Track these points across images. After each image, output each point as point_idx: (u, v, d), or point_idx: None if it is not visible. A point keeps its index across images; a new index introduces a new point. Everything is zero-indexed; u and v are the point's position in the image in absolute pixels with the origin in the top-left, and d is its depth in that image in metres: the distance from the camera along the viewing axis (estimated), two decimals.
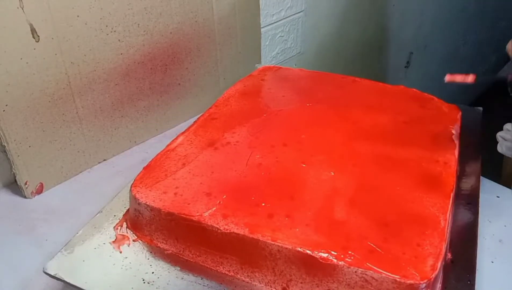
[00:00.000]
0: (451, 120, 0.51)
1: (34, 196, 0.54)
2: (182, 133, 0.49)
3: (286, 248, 0.35)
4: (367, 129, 0.49)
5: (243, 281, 0.38)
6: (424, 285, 0.33)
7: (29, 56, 0.48)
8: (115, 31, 0.54)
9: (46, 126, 0.52)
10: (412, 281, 0.33)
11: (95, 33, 0.53)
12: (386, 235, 0.36)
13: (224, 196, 0.40)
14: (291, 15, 0.83)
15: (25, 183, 0.53)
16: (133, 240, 0.42)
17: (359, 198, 0.40)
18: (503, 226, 0.48)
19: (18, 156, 0.51)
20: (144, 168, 0.44)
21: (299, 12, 0.85)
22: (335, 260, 0.34)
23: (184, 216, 0.38)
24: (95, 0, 0.51)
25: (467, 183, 0.48)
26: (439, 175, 0.43)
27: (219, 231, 0.37)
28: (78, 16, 0.51)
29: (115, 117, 0.59)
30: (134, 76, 0.59)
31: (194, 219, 0.38)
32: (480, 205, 0.45)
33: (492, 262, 0.45)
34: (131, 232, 0.42)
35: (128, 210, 0.44)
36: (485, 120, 0.58)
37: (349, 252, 0.35)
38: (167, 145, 0.47)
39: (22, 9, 0.46)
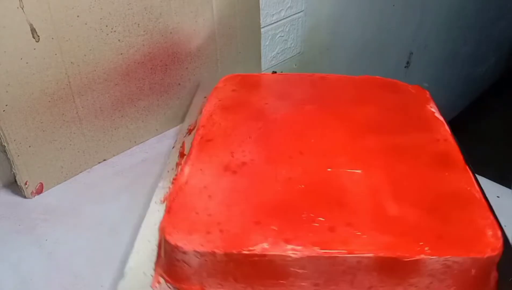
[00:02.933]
0: (425, 100, 0.54)
1: (34, 196, 0.54)
2: (185, 163, 0.45)
3: (367, 257, 0.34)
4: (362, 122, 0.50)
5: None
6: (497, 255, 0.35)
7: (29, 56, 0.48)
8: (115, 31, 0.54)
9: (46, 126, 0.52)
10: (487, 255, 0.35)
11: (95, 33, 0.53)
12: (441, 219, 0.37)
13: (275, 221, 0.37)
14: (291, 15, 0.83)
15: (25, 183, 0.53)
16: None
17: (398, 189, 0.40)
18: (503, 226, 0.48)
19: (18, 156, 0.51)
20: (166, 212, 0.39)
21: (299, 12, 0.85)
22: (417, 256, 0.34)
23: (245, 253, 0.35)
24: (95, 0, 0.51)
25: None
26: (446, 152, 0.45)
27: (288, 258, 0.35)
28: (78, 16, 0.51)
29: (115, 117, 0.59)
30: (134, 76, 0.59)
31: (256, 253, 0.35)
32: None
33: None
34: (174, 287, 0.38)
35: (158, 263, 0.39)
36: (486, 120, 0.58)
37: (421, 243, 0.35)
38: (176, 180, 0.43)
39: (22, 9, 0.46)
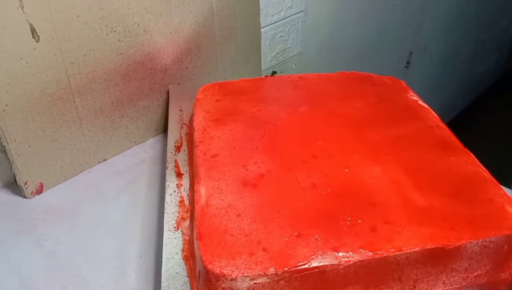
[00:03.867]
0: (403, 89, 0.55)
1: (34, 196, 0.54)
2: (197, 184, 0.42)
3: (414, 251, 0.35)
4: (356, 117, 0.50)
5: None
6: None
7: (29, 56, 0.48)
8: (115, 31, 0.54)
9: (46, 126, 0.52)
10: None
11: (95, 33, 0.53)
12: (465, 202, 0.39)
13: (313, 230, 0.36)
14: (291, 15, 0.83)
15: (25, 183, 0.53)
16: None
17: (417, 180, 0.41)
18: None
19: (18, 156, 0.51)
20: (197, 239, 0.37)
21: (299, 12, 0.85)
22: (461, 241, 0.36)
23: (297, 268, 0.34)
24: (95, 0, 0.51)
25: None
26: (443, 138, 0.46)
27: (340, 267, 0.34)
28: (78, 16, 0.51)
29: (115, 117, 0.59)
30: (134, 76, 0.59)
31: (308, 267, 0.34)
32: None
33: None
34: None
35: None
36: (486, 120, 0.59)
37: (460, 229, 0.36)
38: (195, 203, 0.40)
39: (22, 9, 0.46)
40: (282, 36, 0.84)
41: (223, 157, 0.45)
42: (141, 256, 0.46)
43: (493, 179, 0.41)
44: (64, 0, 0.49)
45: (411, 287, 0.37)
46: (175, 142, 0.55)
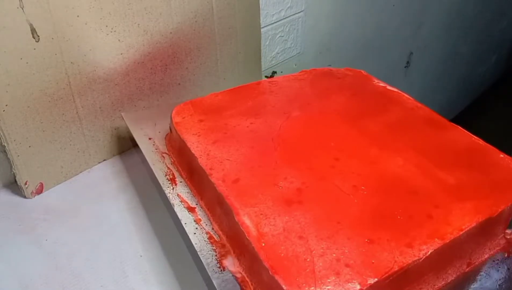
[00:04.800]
0: (368, 78, 0.57)
1: (34, 196, 0.54)
2: (237, 215, 0.38)
3: (472, 227, 0.37)
4: (348, 112, 0.51)
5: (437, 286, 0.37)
6: None
7: (29, 56, 0.48)
8: (115, 31, 0.54)
9: (46, 126, 0.52)
10: None
11: (95, 33, 0.53)
12: (481, 171, 0.42)
13: (382, 232, 0.36)
14: (291, 15, 0.83)
15: (25, 183, 0.53)
16: None
17: (434, 160, 0.43)
18: None
19: (18, 156, 0.51)
20: (274, 273, 0.33)
21: (299, 12, 0.85)
22: (500, 209, 0.38)
23: (387, 275, 0.33)
24: (95, 0, 0.51)
25: None
26: (428, 117, 0.49)
27: (420, 260, 0.34)
28: (78, 16, 0.51)
29: (115, 117, 0.59)
30: (134, 76, 0.59)
31: (397, 269, 0.34)
32: None
33: None
34: None
35: None
36: (486, 120, 0.60)
37: (493, 198, 0.39)
38: (247, 235, 0.37)
39: (22, 9, 0.46)
40: (282, 36, 0.84)
41: (248, 180, 0.42)
42: (141, 256, 0.46)
43: (488, 145, 0.45)
44: (64, 0, 0.49)
45: (468, 260, 0.39)
46: (165, 175, 0.49)
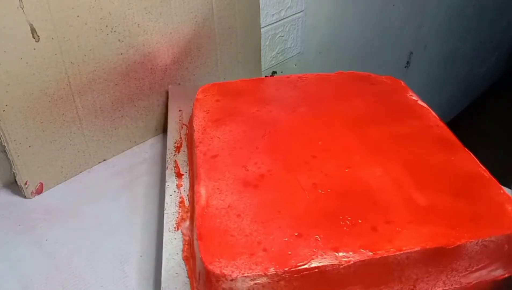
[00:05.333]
0: (403, 89, 0.55)
1: (34, 196, 0.54)
2: (197, 184, 0.42)
3: (415, 251, 0.35)
4: (357, 116, 0.50)
5: None
6: None
7: (29, 56, 0.48)
8: (115, 31, 0.54)
9: (46, 126, 0.52)
10: None
11: (95, 33, 0.53)
12: (466, 201, 0.39)
13: (317, 230, 0.36)
14: (291, 15, 0.83)
15: (25, 183, 0.53)
16: None
17: (418, 179, 0.41)
18: None
19: (18, 156, 0.51)
20: (198, 239, 0.37)
21: (299, 12, 0.85)
22: (461, 241, 0.35)
23: (297, 268, 0.34)
24: (95, 0, 0.51)
25: None
26: (443, 137, 0.46)
27: (341, 267, 0.34)
28: (78, 16, 0.51)
29: (115, 117, 0.59)
30: (134, 76, 0.59)
31: (308, 267, 0.34)
32: None
33: None
34: None
35: None
36: (486, 120, 0.59)
37: (460, 228, 0.36)
38: (196, 204, 0.40)
39: (22, 9, 0.46)
40: (282, 36, 0.84)
41: (223, 158, 0.45)
42: (141, 256, 0.46)
43: (493, 178, 0.41)
44: (64, 0, 0.49)
45: (411, 286, 0.36)
46: (175, 143, 0.55)
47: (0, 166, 0.54)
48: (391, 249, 0.35)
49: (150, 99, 0.62)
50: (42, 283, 0.44)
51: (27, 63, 0.48)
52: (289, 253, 0.35)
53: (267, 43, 0.81)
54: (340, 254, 0.34)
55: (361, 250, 0.35)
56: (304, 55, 0.91)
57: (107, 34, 0.54)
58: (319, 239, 0.36)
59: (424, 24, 1.33)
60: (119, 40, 0.55)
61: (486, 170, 0.42)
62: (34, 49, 0.48)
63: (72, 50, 0.51)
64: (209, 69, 0.68)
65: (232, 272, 0.34)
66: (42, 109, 0.51)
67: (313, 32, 0.91)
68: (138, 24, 0.56)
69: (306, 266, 0.34)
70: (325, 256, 0.34)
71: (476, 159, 0.44)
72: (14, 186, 0.55)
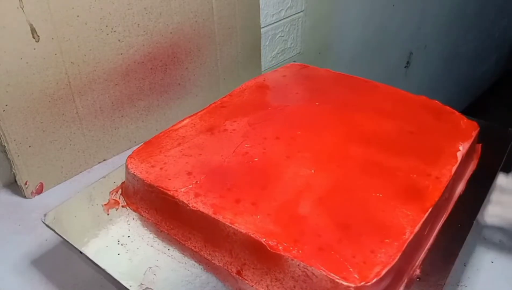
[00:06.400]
0: (464, 136, 0.47)
1: (34, 196, 0.54)
2: (190, 116, 0.51)
3: (241, 232, 0.37)
4: (367, 134, 0.48)
5: (205, 258, 0.40)
6: (361, 287, 0.33)
7: (29, 56, 0.48)
8: (115, 31, 0.54)
9: (46, 126, 0.52)
10: (348, 284, 0.33)
11: (95, 33, 0.53)
12: (343, 237, 0.36)
13: (202, 177, 0.42)
14: (291, 15, 0.83)
15: (25, 183, 0.53)
16: (122, 206, 0.45)
17: (330, 198, 0.40)
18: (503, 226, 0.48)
19: (18, 156, 0.51)
20: (144, 143, 0.47)
21: (299, 12, 0.85)
22: (282, 251, 0.35)
23: (161, 189, 0.41)
24: (95, 0, 0.51)
25: (466, 205, 0.45)
26: (424, 188, 0.41)
27: (188, 207, 0.40)
28: (78, 16, 0.51)
29: (115, 117, 0.59)
30: (134, 76, 0.59)
31: (169, 193, 0.41)
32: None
33: (492, 262, 0.45)
34: (123, 199, 0.46)
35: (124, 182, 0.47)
36: (486, 120, 0.56)
37: (298, 245, 0.35)
38: (173, 125, 0.50)
39: (22, 9, 0.46)
40: (282, 36, 0.84)
41: (225, 110, 0.52)
42: None
43: (405, 244, 0.36)
44: (64, 0, 0.49)
45: (238, 268, 0.38)
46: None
47: (0, 166, 0.54)
48: (226, 218, 0.38)
49: (150, 99, 0.62)
50: (42, 284, 0.44)
51: (27, 63, 0.48)
52: (169, 179, 0.42)
53: (267, 43, 0.81)
54: (194, 199, 0.40)
55: (209, 207, 0.39)
56: (304, 55, 0.91)
57: (107, 34, 0.54)
58: (196, 183, 0.41)
59: (424, 24, 1.33)
60: (119, 40, 0.55)
61: (413, 233, 0.37)
62: (34, 49, 0.48)
63: (72, 50, 0.51)
64: (209, 69, 0.68)
65: (131, 168, 0.44)
66: (42, 109, 0.51)
67: (313, 32, 0.91)
68: (138, 24, 0.56)
69: (167, 191, 0.41)
70: (184, 194, 0.40)
71: (420, 221, 0.37)
72: (14, 186, 0.55)
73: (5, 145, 0.50)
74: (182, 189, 0.41)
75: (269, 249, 0.35)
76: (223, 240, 0.38)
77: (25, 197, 0.54)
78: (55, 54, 0.50)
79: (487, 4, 1.66)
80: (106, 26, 0.54)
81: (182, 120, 0.50)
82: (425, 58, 1.43)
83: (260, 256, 0.36)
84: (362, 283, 0.33)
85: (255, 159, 0.44)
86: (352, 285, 0.33)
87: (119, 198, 0.46)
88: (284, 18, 0.82)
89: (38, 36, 0.48)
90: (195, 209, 0.39)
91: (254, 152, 0.45)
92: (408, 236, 0.36)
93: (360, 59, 1.11)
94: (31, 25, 0.47)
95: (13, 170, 0.52)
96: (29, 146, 0.52)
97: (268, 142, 0.46)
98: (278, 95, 0.56)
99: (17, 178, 0.53)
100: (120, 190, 0.47)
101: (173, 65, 0.63)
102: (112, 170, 0.48)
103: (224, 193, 0.40)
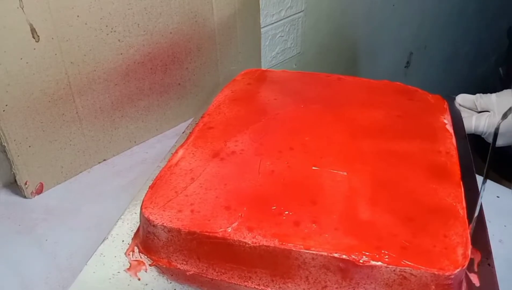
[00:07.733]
0: (440, 110, 0.52)
1: (34, 196, 0.54)
2: (181, 146, 0.46)
3: (321, 255, 0.35)
4: (365, 126, 0.49)
5: None
6: (459, 274, 0.34)
7: (29, 56, 0.48)
8: (115, 31, 0.54)
9: (46, 126, 0.52)
10: (449, 273, 0.33)
11: (95, 33, 0.53)
12: (413, 230, 0.36)
13: (245, 208, 0.38)
14: (291, 15, 0.83)
15: (25, 183, 0.53)
16: (150, 265, 0.39)
17: (378, 195, 0.40)
18: (503, 226, 0.49)
19: (18, 156, 0.51)
20: (150, 187, 0.41)
21: (299, 12, 0.85)
22: (372, 261, 0.34)
23: (207, 234, 0.37)
24: (95, 0, 0.51)
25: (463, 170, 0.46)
26: (444, 165, 0.43)
27: (247, 245, 0.36)
28: (78, 16, 0.51)
29: (115, 117, 0.59)
30: (134, 76, 0.59)
31: (218, 235, 0.36)
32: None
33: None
34: (146, 257, 0.40)
35: (136, 234, 0.41)
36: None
37: (383, 251, 0.34)
38: (168, 161, 0.45)
39: (22, 9, 0.46)
40: (282, 36, 0.84)
41: (216, 131, 0.48)
42: None
43: (465, 220, 0.38)
44: (64, 0, 0.49)
45: None
46: (203, 114, 0.54)
47: (0, 166, 0.54)
48: (298, 245, 0.35)
49: (150, 99, 0.62)
50: (42, 283, 0.44)
51: (27, 63, 0.48)
52: (209, 220, 0.37)
53: (267, 43, 0.81)
54: (250, 234, 0.36)
55: (272, 237, 0.36)
56: (304, 55, 0.91)
57: (107, 34, 0.54)
58: (241, 216, 0.37)
59: (424, 24, 1.33)
60: (119, 40, 0.55)
61: (464, 208, 0.39)
62: (34, 49, 0.48)
63: (72, 50, 0.51)
64: (209, 69, 0.68)
65: (156, 219, 0.38)
66: (42, 109, 0.51)
67: (313, 32, 0.91)
68: (138, 24, 0.56)
69: (216, 234, 0.36)
70: (236, 231, 0.36)
71: (462, 196, 0.40)
72: (14, 186, 0.55)
73: (5, 145, 0.50)
74: (231, 227, 0.36)
75: (358, 263, 0.34)
76: (297, 268, 0.36)
77: (25, 197, 0.54)
78: (55, 54, 0.50)
79: (487, 4, 1.66)
80: (106, 26, 0.54)
81: (176, 152, 0.46)
82: (425, 58, 1.43)
83: (346, 273, 0.35)
84: (459, 269, 0.33)
85: (285, 175, 0.42)
86: (452, 272, 0.33)
87: (140, 257, 0.40)
88: (284, 18, 0.82)
89: (38, 36, 0.48)
90: (256, 245, 0.35)
91: (279, 168, 0.43)
92: (463, 212, 0.38)
93: (360, 59, 1.11)
94: (31, 25, 0.47)
95: (13, 170, 0.52)
96: (29, 146, 0.52)
97: (286, 155, 0.44)
98: (260, 105, 0.54)
99: (17, 178, 0.53)
100: (136, 248, 0.40)
101: (173, 65, 0.63)
102: (111, 228, 0.42)
103: (279, 219, 0.37)
